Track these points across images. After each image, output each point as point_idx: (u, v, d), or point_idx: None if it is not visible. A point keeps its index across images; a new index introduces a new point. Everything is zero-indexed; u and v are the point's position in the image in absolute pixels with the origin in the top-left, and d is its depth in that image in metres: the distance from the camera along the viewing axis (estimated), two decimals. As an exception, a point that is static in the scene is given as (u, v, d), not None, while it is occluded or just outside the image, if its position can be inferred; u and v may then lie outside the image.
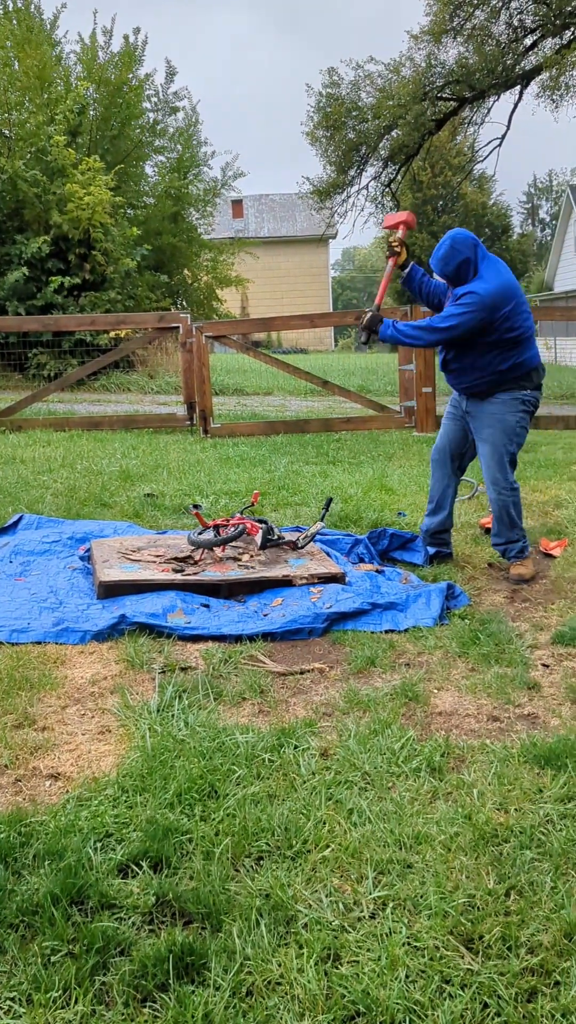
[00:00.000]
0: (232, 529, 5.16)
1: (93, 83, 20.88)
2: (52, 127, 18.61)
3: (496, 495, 5.12)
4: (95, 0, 28.70)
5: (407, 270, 5.25)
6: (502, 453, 5.04)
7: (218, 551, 5.15)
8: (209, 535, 5.20)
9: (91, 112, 20.80)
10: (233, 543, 5.23)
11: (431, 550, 5.42)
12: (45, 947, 2.15)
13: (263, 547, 5.06)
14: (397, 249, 5.19)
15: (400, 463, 8.79)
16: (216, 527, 5.24)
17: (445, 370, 5.14)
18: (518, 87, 20.98)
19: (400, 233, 5.24)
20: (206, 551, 5.13)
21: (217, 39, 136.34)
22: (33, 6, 21.53)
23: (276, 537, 5.17)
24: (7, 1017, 1.97)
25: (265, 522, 5.27)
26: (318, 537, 5.61)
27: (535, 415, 5.16)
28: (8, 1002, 2.01)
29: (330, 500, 5.61)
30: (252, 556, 5.14)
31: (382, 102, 20.75)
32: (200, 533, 5.16)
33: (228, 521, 5.36)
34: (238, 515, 5.49)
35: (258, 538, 5.16)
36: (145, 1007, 2.00)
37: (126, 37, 21.69)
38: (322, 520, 5.38)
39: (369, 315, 5.13)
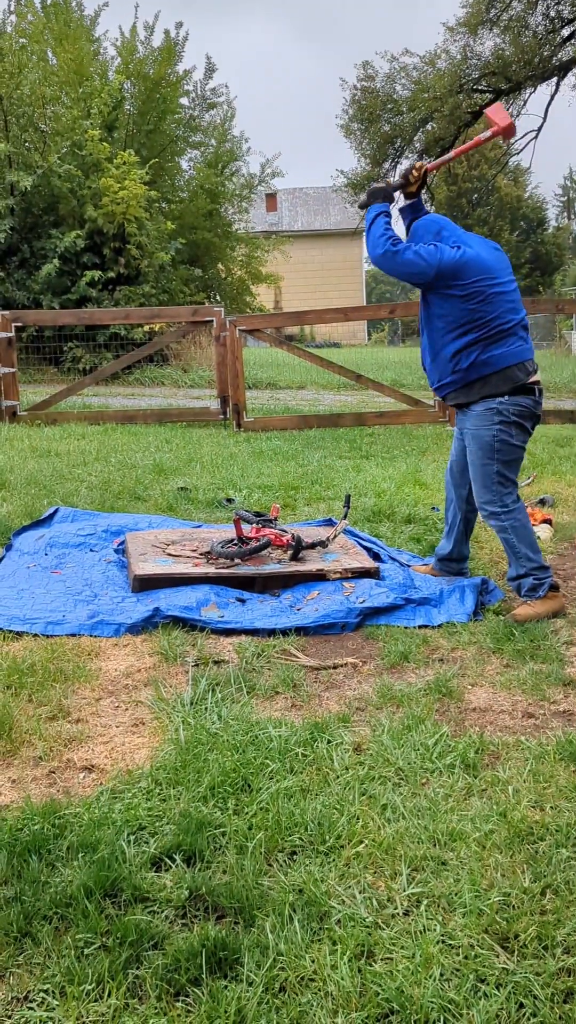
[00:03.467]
0: (256, 542, 5.06)
1: (130, 77, 20.91)
2: (88, 121, 18.68)
3: (489, 521, 4.55)
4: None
5: (410, 201, 4.74)
6: (482, 474, 4.47)
7: None
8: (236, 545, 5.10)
9: (127, 106, 20.85)
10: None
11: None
12: (78, 939, 2.15)
13: (294, 558, 4.99)
14: (413, 178, 4.65)
15: (434, 457, 8.74)
16: (243, 538, 5.12)
17: (423, 365, 4.76)
18: (555, 79, 20.79)
19: (447, 157, 4.85)
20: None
21: (253, 37, 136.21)
22: (75, 2, 21.64)
23: (306, 544, 5.08)
24: (40, 1009, 1.98)
25: (286, 531, 5.21)
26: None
27: (528, 422, 4.45)
28: (42, 994, 2.01)
29: (349, 497, 5.48)
30: (285, 550, 5.12)
31: (417, 95, 20.64)
32: (226, 544, 5.06)
33: (257, 531, 5.23)
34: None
35: (288, 555, 5.05)
36: (178, 1001, 1.99)
37: (167, 32, 21.70)
38: (345, 518, 5.31)
39: (381, 186, 4.66)
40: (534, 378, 4.45)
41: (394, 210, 4.74)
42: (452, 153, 4.98)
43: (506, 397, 4.38)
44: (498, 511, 4.46)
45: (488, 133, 4.78)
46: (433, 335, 4.54)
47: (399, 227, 4.98)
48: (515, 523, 4.46)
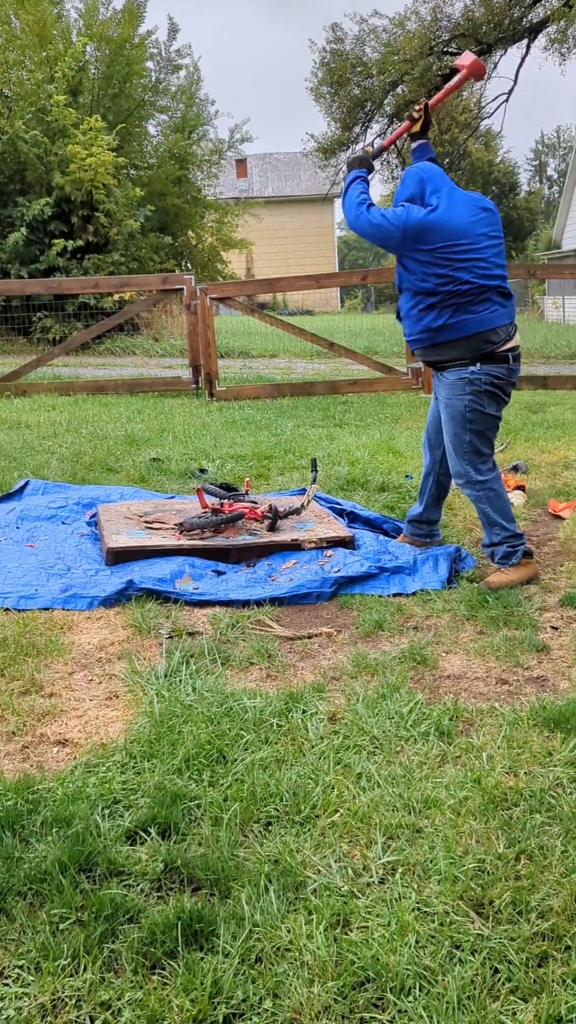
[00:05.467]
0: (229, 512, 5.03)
1: (94, 40, 20.53)
2: (52, 86, 18.35)
3: (464, 490, 4.53)
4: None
5: (418, 142, 4.64)
6: (455, 444, 4.41)
7: None
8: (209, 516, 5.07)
9: (92, 70, 20.50)
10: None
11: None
12: (53, 915, 2.14)
13: (271, 529, 4.96)
14: (416, 115, 4.59)
15: (407, 425, 8.72)
16: (214, 510, 5.09)
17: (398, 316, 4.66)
18: (525, 41, 20.62)
19: (434, 97, 4.75)
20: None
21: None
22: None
23: (281, 514, 5.06)
24: (16, 985, 1.97)
25: (257, 503, 5.19)
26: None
27: (501, 391, 4.37)
28: (17, 970, 2.00)
29: (315, 461, 5.42)
30: (260, 521, 5.10)
31: (387, 57, 20.41)
32: (200, 517, 5.02)
33: (230, 505, 5.19)
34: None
35: (264, 525, 5.02)
36: (154, 974, 1.99)
37: (129, -8, 21.29)
38: (314, 483, 5.28)
39: (361, 154, 4.64)
40: (509, 344, 4.36)
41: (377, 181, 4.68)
42: (443, 91, 4.88)
43: (478, 366, 4.30)
44: (472, 480, 4.42)
45: (459, 77, 4.75)
46: (405, 294, 4.50)
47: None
48: (489, 492, 4.42)
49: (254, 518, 5.07)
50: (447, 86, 4.84)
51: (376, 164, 4.65)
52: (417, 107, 4.59)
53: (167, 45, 23.41)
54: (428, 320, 4.34)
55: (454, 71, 4.88)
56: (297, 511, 5.13)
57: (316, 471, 5.30)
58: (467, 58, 4.76)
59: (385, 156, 23.41)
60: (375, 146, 4.76)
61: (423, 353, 4.50)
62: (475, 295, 4.25)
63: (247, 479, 5.59)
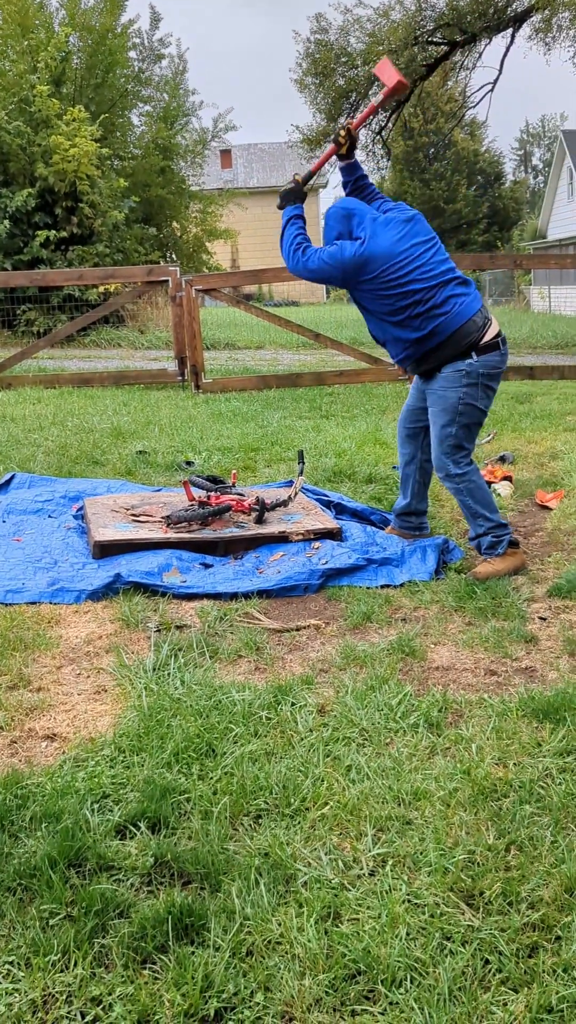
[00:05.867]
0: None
1: (76, 30, 20.39)
2: (35, 76, 18.22)
3: (445, 483, 4.51)
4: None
5: (348, 162, 4.64)
6: (441, 436, 4.40)
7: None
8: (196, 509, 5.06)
9: (75, 60, 20.36)
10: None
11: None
12: (43, 910, 2.14)
13: (258, 521, 4.96)
14: (341, 139, 4.51)
15: (394, 416, 8.71)
16: (201, 503, 5.09)
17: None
18: (510, 30, 20.54)
19: (356, 119, 4.73)
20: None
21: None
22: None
23: (269, 506, 5.06)
24: (6, 981, 1.96)
25: (243, 495, 5.20)
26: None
27: (493, 383, 4.39)
28: (7, 966, 1.99)
29: (302, 452, 5.43)
30: (248, 513, 5.09)
31: (372, 47, 20.31)
32: (187, 509, 5.02)
33: (217, 497, 5.18)
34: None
35: (252, 517, 5.02)
36: (145, 969, 1.99)
37: (110, -19, 21.13)
38: (301, 474, 5.28)
39: (292, 187, 4.66)
40: (493, 330, 4.36)
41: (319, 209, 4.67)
42: (365, 111, 4.88)
43: (474, 357, 4.30)
44: (452, 474, 4.42)
45: (380, 96, 4.71)
46: (371, 324, 4.54)
47: (337, 193, 4.91)
48: (470, 484, 4.42)
49: (241, 510, 5.06)
50: (367, 108, 4.84)
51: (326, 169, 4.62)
52: (341, 131, 4.54)
53: (149, 34, 23.28)
54: (406, 336, 4.36)
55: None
56: (284, 503, 5.12)
57: (303, 463, 5.29)
58: (388, 75, 4.62)
59: (370, 147, 23.39)
60: (303, 173, 4.72)
61: (416, 366, 4.49)
62: (434, 295, 4.27)
63: (234, 471, 5.58)
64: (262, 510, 4.95)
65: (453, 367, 4.33)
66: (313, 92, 21.82)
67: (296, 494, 5.20)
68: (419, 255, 4.30)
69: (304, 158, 24.92)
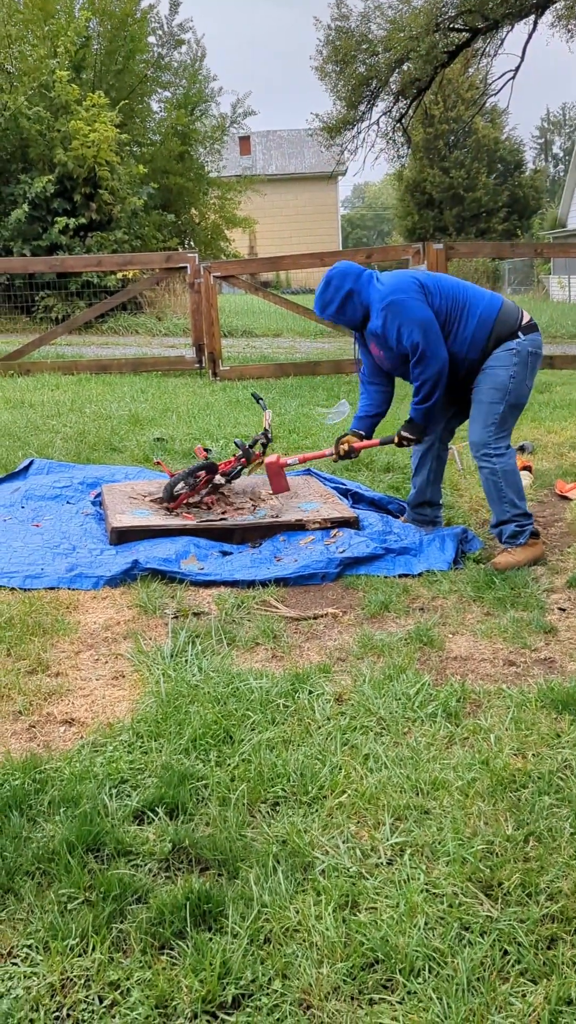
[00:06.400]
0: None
1: (96, 15, 20.32)
2: (55, 61, 18.17)
3: (480, 461, 4.45)
4: None
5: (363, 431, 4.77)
6: (487, 413, 4.38)
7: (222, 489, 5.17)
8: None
9: (94, 46, 20.29)
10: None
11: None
12: (62, 895, 2.14)
13: (230, 480, 5.06)
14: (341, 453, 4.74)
15: (412, 405, 8.67)
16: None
17: (444, 393, 4.48)
18: (532, 16, 20.37)
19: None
20: (214, 495, 5.11)
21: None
22: None
23: (250, 444, 5.21)
24: (24, 964, 1.97)
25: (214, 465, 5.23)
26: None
27: (537, 363, 4.44)
28: (25, 950, 2.00)
29: (255, 394, 5.63)
30: (265, 500, 5.09)
31: (393, 34, 20.18)
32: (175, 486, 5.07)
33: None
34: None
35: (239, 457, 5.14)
36: (163, 954, 1.99)
37: (131, -34, 21.04)
38: (266, 409, 5.51)
39: (400, 435, 4.57)
40: (527, 316, 4.46)
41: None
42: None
43: (522, 336, 4.36)
44: (491, 452, 4.39)
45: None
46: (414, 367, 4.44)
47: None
48: (506, 467, 4.40)
49: (226, 469, 5.19)
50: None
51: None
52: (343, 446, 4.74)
53: (169, 20, 23.20)
54: (465, 338, 4.35)
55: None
56: (265, 437, 5.28)
57: (261, 400, 5.53)
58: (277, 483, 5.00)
59: (390, 134, 23.24)
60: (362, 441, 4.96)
61: (479, 360, 4.42)
62: (469, 297, 4.40)
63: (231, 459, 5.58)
64: (246, 453, 5.10)
65: (503, 347, 4.35)
66: (333, 79, 21.72)
67: (270, 426, 5.32)
68: (439, 296, 4.41)
69: (324, 146, 24.81)
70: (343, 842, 2.34)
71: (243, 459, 5.13)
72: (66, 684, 3.24)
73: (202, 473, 5.03)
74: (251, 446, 5.19)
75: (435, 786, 2.57)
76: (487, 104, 30.55)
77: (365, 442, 4.76)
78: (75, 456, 6.51)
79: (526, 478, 5.85)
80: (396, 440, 4.59)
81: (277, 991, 1.89)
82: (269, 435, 5.26)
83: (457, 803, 2.49)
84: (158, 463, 5.26)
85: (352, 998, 1.89)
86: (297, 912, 2.10)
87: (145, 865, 2.26)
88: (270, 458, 5.04)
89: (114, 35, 20.69)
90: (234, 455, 5.29)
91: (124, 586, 4.17)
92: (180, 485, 4.96)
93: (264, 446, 5.27)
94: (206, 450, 6.33)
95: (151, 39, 22.43)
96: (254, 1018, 1.84)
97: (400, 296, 4.31)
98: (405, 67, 20.97)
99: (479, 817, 2.43)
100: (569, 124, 66.58)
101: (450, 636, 3.66)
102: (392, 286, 4.35)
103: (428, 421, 4.51)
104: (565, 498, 5.56)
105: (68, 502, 5.35)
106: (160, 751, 2.76)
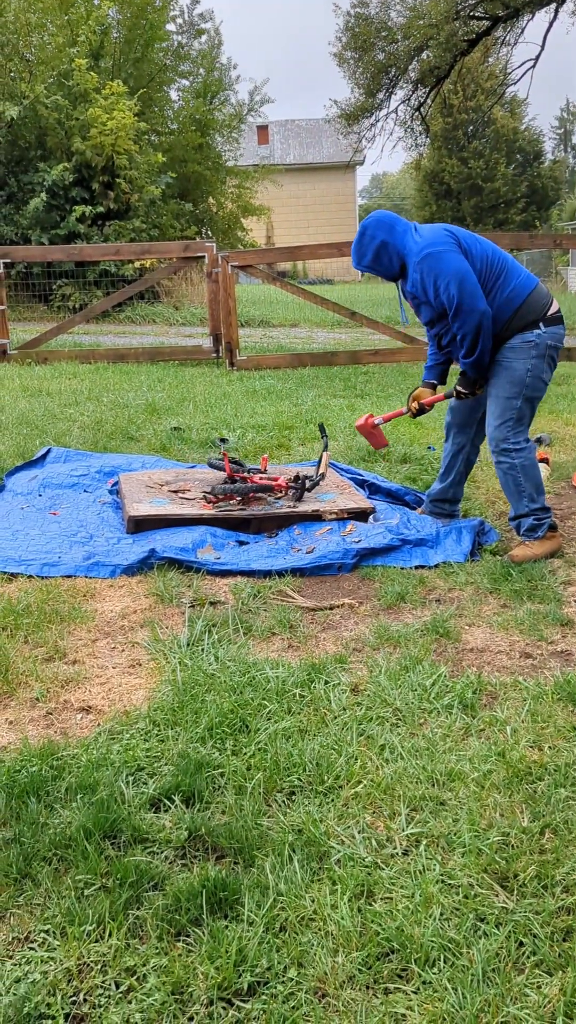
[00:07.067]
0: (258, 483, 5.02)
1: (116, 3, 20.30)
2: (74, 49, 18.17)
3: (497, 457, 4.41)
4: None
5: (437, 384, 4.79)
6: (504, 407, 4.33)
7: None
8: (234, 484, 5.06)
9: (114, 34, 20.28)
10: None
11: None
12: (78, 881, 2.16)
13: (298, 499, 4.94)
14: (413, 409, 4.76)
15: (429, 396, 8.65)
16: (243, 478, 5.08)
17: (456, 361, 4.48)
18: (553, 4, 20.22)
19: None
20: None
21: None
22: None
23: (308, 486, 5.05)
24: (41, 949, 1.98)
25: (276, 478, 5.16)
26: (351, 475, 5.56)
27: (556, 357, 4.38)
28: (42, 934, 2.02)
29: (322, 426, 5.44)
30: (285, 492, 5.08)
31: (412, 21, 20.09)
32: (228, 483, 5.03)
33: (249, 477, 5.15)
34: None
35: (288, 496, 5.01)
36: (179, 941, 2.00)
37: (150, -46, 21.01)
38: (326, 449, 5.29)
39: (456, 389, 4.52)
40: (555, 306, 4.39)
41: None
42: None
43: (542, 328, 4.29)
44: (510, 448, 4.35)
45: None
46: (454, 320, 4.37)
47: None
48: (525, 461, 4.36)
49: (279, 489, 5.05)
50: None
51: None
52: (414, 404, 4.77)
53: (189, 9, 23.24)
54: (493, 300, 4.28)
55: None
56: (316, 483, 5.09)
57: (325, 435, 5.32)
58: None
59: (409, 124, 23.12)
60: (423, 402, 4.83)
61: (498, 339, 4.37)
62: (505, 269, 4.32)
63: (263, 456, 5.53)
64: (301, 489, 4.93)
65: (522, 338, 4.29)
66: (352, 66, 21.65)
67: (326, 468, 5.20)
68: (479, 255, 4.35)
69: (342, 134, 24.71)
70: (359, 832, 2.34)
71: (296, 491, 4.99)
72: (83, 672, 3.26)
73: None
74: (311, 487, 5.05)
75: (451, 777, 2.57)
76: (506, 94, 30.38)
77: (432, 397, 4.74)
78: (92, 445, 6.53)
79: (544, 470, 5.82)
80: (455, 393, 4.55)
81: (292, 979, 1.90)
82: (319, 480, 5.14)
83: (473, 794, 2.49)
84: (223, 455, 5.17)
85: (367, 987, 1.89)
86: (313, 901, 2.10)
87: (161, 852, 2.27)
88: (360, 419, 5.11)
89: (133, 23, 20.70)
90: (288, 479, 5.16)
91: (141, 575, 4.18)
92: (233, 499, 4.89)
93: (310, 488, 5.08)
94: (222, 440, 6.34)
95: (170, 27, 22.42)
96: (269, 1005, 1.85)
97: (435, 249, 4.21)
98: (424, 55, 20.89)
99: (495, 809, 2.43)
100: (589, 114, 66.07)
101: (466, 628, 3.65)
102: (428, 239, 4.26)
103: (479, 372, 4.40)
104: (583, 490, 5.54)
105: (85, 491, 5.36)
106: (176, 739, 2.77)
